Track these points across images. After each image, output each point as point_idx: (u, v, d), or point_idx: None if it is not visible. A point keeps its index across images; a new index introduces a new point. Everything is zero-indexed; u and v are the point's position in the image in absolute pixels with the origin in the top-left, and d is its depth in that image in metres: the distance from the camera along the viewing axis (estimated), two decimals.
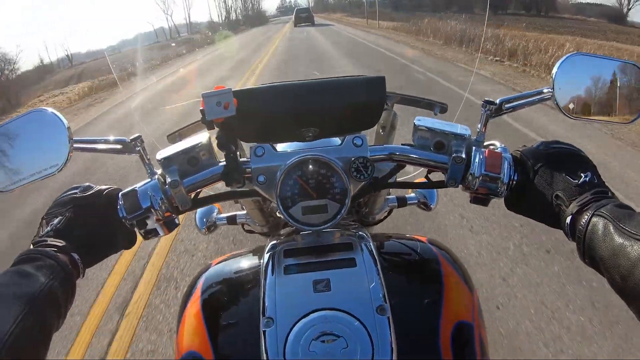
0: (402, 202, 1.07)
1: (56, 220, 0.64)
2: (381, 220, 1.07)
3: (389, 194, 1.07)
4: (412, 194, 1.10)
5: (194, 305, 0.73)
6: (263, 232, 1.09)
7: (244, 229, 1.11)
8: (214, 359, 0.66)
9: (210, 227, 1.11)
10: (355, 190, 0.70)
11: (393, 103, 0.89)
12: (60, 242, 0.60)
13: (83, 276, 0.63)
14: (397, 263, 0.77)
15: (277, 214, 1.01)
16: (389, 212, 1.08)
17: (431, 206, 1.09)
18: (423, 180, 0.78)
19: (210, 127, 0.67)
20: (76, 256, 0.61)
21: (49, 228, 0.63)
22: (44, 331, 0.51)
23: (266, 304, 0.60)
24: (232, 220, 1.09)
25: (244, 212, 1.07)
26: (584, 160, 0.64)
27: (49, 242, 0.60)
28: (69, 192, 0.69)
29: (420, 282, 0.74)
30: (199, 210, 1.13)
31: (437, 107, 0.83)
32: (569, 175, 0.62)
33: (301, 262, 0.65)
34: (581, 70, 0.72)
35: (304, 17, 36.52)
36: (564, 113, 0.72)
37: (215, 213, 1.12)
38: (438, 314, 0.66)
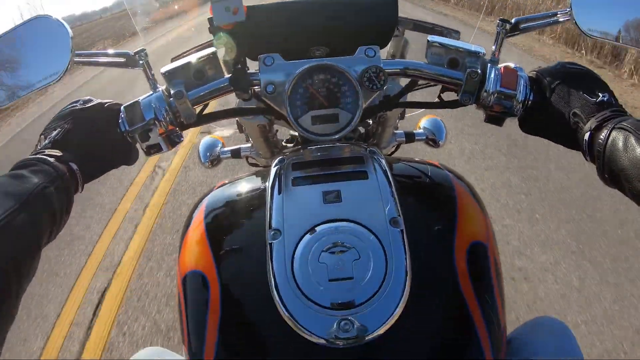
0: (410, 137, 1.06)
1: (54, 133, 0.62)
2: (388, 156, 1.05)
3: (397, 128, 1.05)
4: (421, 130, 1.09)
5: (198, 227, 0.72)
6: (268, 165, 1.07)
7: (248, 162, 1.09)
8: (217, 276, 0.64)
9: (214, 160, 1.10)
10: (367, 103, 0.68)
11: (404, 29, 0.87)
12: (58, 152, 0.58)
13: (82, 190, 0.61)
14: (409, 182, 0.75)
15: (284, 142, 1.00)
16: (397, 147, 1.07)
17: (440, 142, 1.08)
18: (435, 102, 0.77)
19: (218, 35, 0.65)
20: (74, 166, 0.59)
21: (47, 141, 0.61)
22: (33, 231, 0.49)
23: (272, 217, 0.58)
24: (236, 153, 1.08)
25: (248, 145, 1.06)
26: (601, 82, 0.63)
27: (46, 153, 0.58)
28: (69, 106, 0.67)
29: (434, 201, 0.72)
30: (202, 143, 1.12)
31: (450, 34, 0.80)
32: (586, 94, 0.60)
33: (310, 174, 0.63)
34: None
35: None
36: (584, 32, 0.69)
37: (219, 147, 1.10)
38: (452, 233, 0.65)
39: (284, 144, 0.99)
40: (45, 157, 0.56)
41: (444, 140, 1.08)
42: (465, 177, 0.78)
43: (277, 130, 0.99)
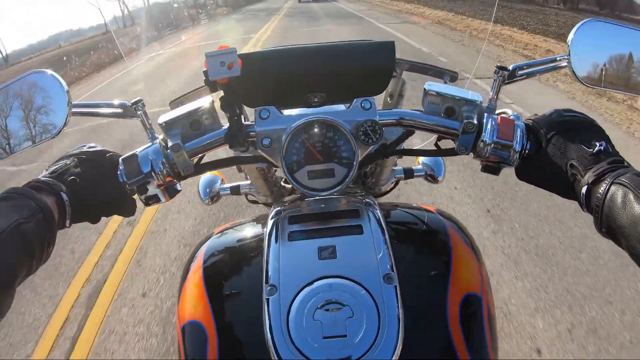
0: (408, 173, 1.06)
1: (56, 166, 0.63)
2: (387, 192, 1.05)
3: (395, 165, 1.05)
4: (419, 166, 1.09)
5: (196, 274, 0.72)
6: (267, 203, 1.07)
7: (247, 199, 1.10)
8: (215, 328, 0.65)
9: (214, 197, 1.10)
10: (363, 155, 0.68)
11: (402, 70, 0.87)
12: (51, 180, 0.59)
13: (69, 226, 0.60)
14: (404, 232, 0.75)
15: (282, 182, 1.00)
16: (396, 184, 1.07)
17: (438, 178, 1.08)
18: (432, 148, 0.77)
19: (213, 88, 0.65)
20: (65, 197, 0.59)
21: (46, 173, 0.62)
22: (5, 269, 0.48)
23: (269, 272, 0.58)
24: (235, 190, 1.08)
25: (248, 182, 1.06)
26: (597, 129, 0.63)
27: (39, 179, 0.58)
28: (74, 149, 0.68)
29: (428, 253, 0.72)
30: (202, 180, 1.12)
31: (448, 76, 0.80)
32: (583, 144, 0.60)
33: (306, 229, 0.64)
34: (598, 38, 0.70)
35: None
36: (580, 81, 0.70)
37: (218, 183, 1.10)
38: (446, 285, 0.65)
39: (282, 183, 0.99)
40: (29, 189, 0.56)
41: (442, 176, 1.08)
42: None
43: (275, 171, 0.99)
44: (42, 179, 0.59)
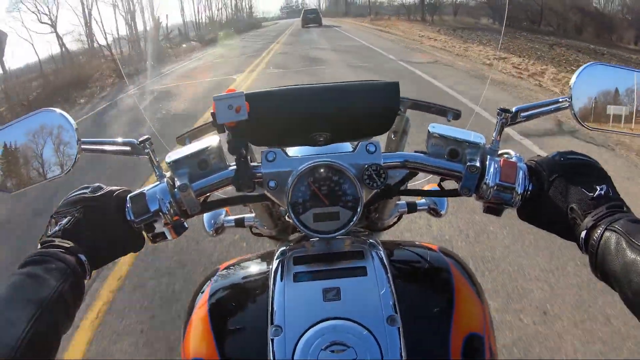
0: (412, 207, 1.06)
1: (65, 220, 0.64)
2: (390, 226, 1.06)
3: (399, 200, 1.06)
4: (423, 200, 1.09)
5: (201, 310, 0.73)
6: (271, 236, 1.08)
7: (252, 232, 1.10)
8: None
9: (218, 229, 1.10)
10: (368, 198, 0.69)
11: (406, 108, 0.88)
12: (68, 243, 0.60)
13: (89, 278, 0.63)
14: (407, 272, 0.75)
15: (286, 217, 1.00)
16: (399, 218, 1.07)
17: (441, 212, 1.08)
18: (435, 187, 0.77)
19: (221, 130, 0.67)
20: (83, 258, 0.61)
21: (57, 228, 0.63)
22: (54, 333, 0.52)
23: (275, 312, 0.59)
24: (240, 222, 1.09)
25: (252, 214, 1.07)
26: (599, 172, 0.64)
27: (56, 243, 0.60)
28: (79, 192, 0.68)
29: (431, 292, 0.72)
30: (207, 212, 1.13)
31: (451, 114, 0.81)
32: (584, 188, 0.61)
33: (311, 270, 0.65)
34: (599, 80, 0.71)
35: (311, 18, 35.84)
36: (581, 123, 0.71)
37: (223, 215, 1.11)
38: (449, 325, 0.65)
39: (286, 218, 1.00)
40: (57, 251, 0.58)
41: (445, 210, 1.09)
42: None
43: (279, 206, 1.00)
44: (58, 242, 0.60)
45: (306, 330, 0.56)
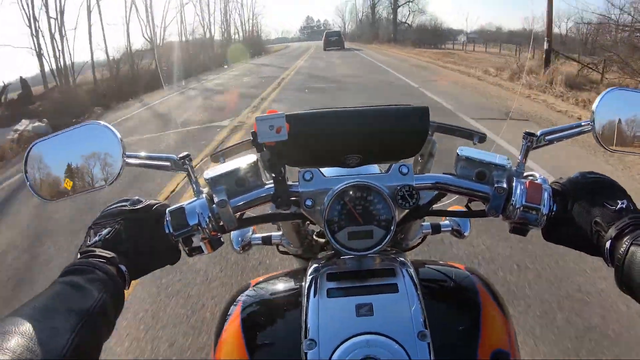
0: (436, 229, 1.08)
1: (105, 231, 0.66)
2: (415, 247, 1.07)
3: (423, 221, 1.08)
4: (447, 221, 1.11)
5: (233, 324, 0.74)
6: (297, 255, 1.10)
7: (278, 249, 1.12)
8: None
9: (245, 246, 1.12)
10: (400, 217, 0.71)
11: (433, 132, 0.91)
12: (108, 254, 0.62)
13: (128, 287, 0.64)
14: (436, 290, 0.77)
15: (315, 236, 1.03)
16: (423, 239, 1.09)
17: (464, 234, 1.10)
18: (463, 208, 0.80)
19: (260, 149, 0.70)
20: (124, 268, 0.62)
21: (97, 238, 0.65)
22: (96, 342, 0.53)
23: (309, 326, 0.61)
24: (267, 240, 1.11)
25: (279, 233, 1.09)
26: (619, 189, 0.66)
27: (97, 253, 0.62)
28: (118, 204, 0.70)
29: (458, 309, 0.74)
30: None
31: (477, 137, 0.84)
32: (606, 203, 0.64)
33: (344, 286, 0.67)
34: (621, 105, 0.74)
35: (333, 41, 35.30)
36: (603, 146, 0.73)
37: (250, 232, 1.13)
38: (476, 341, 0.67)
39: (314, 237, 1.03)
40: (98, 261, 0.60)
41: (468, 232, 1.10)
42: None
43: (308, 224, 1.03)
44: (98, 252, 0.62)
45: (340, 344, 0.58)
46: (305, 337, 0.60)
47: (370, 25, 60.68)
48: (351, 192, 0.71)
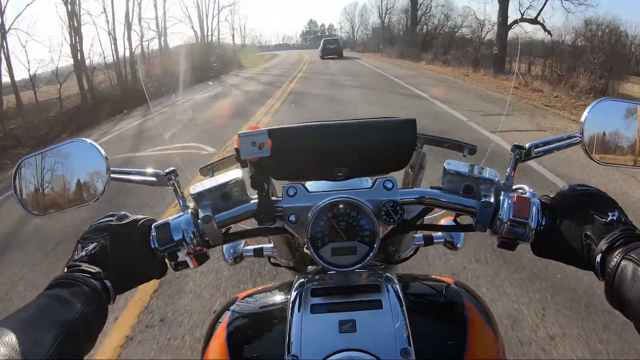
0: (428, 240, 1.08)
1: (91, 246, 0.66)
2: (407, 259, 1.07)
3: (415, 233, 1.07)
4: (439, 233, 1.10)
5: (219, 338, 0.74)
6: (289, 266, 1.10)
7: (270, 262, 1.12)
8: None
9: (237, 258, 1.13)
10: (385, 232, 0.71)
11: (422, 144, 0.91)
12: (94, 269, 0.63)
13: (114, 302, 0.65)
14: (422, 305, 0.77)
15: (305, 249, 1.02)
16: (415, 251, 1.08)
17: (457, 246, 1.09)
18: (451, 220, 0.79)
19: (244, 165, 0.70)
20: (108, 283, 0.63)
21: (83, 253, 0.65)
22: (77, 355, 0.54)
23: (291, 342, 0.61)
24: (258, 252, 1.11)
25: (271, 245, 1.09)
26: (609, 201, 0.65)
27: (83, 268, 0.62)
28: (105, 219, 0.71)
29: (444, 325, 0.74)
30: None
31: (466, 149, 0.84)
32: (597, 215, 0.63)
33: (328, 302, 0.66)
34: (611, 116, 0.73)
35: (331, 49, 32.76)
36: (592, 158, 0.72)
37: (242, 245, 1.13)
38: (462, 357, 0.66)
39: (304, 250, 1.02)
40: (83, 275, 0.61)
41: (461, 243, 1.09)
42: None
43: (298, 238, 1.02)
44: (84, 267, 0.63)
45: None
46: (288, 353, 0.60)
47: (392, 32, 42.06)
48: (334, 208, 0.70)
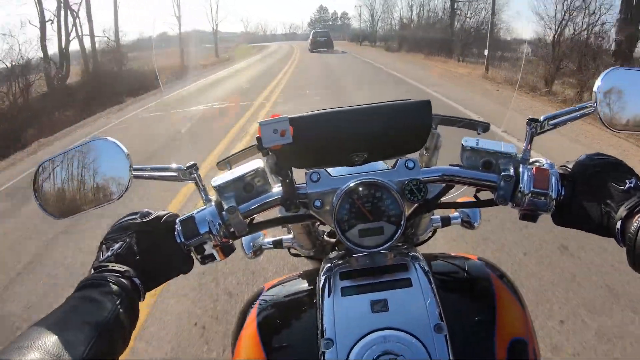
0: (446, 221, 1.08)
1: (117, 246, 0.66)
2: (425, 241, 1.07)
3: (433, 214, 1.08)
4: (456, 213, 1.11)
5: (250, 328, 0.75)
6: (309, 256, 1.10)
7: (290, 252, 1.12)
8: None
9: (257, 251, 1.13)
10: (409, 212, 0.72)
11: (437, 124, 0.91)
12: (122, 267, 0.63)
13: (143, 299, 0.65)
14: (450, 282, 0.78)
15: (325, 236, 1.03)
16: (433, 232, 1.09)
17: (475, 225, 1.09)
18: (472, 199, 0.80)
19: (265, 153, 0.70)
20: (137, 281, 0.63)
21: (109, 253, 0.66)
22: (112, 355, 0.54)
23: (325, 326, 0.62)
24: (278, 244, 1.11)
25: (290, 235, 1.09)
26: (626, 168, 0.66)
27: (110, 267, 0.62)
28: (128, 218, 0.71)
29: (473, 300, 0.74)
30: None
31: (480, 127, 0.84)
32: (614, 183, 0.63)
33: (358, 284, 0.67)
34: (623, 84, 0.73)
35: (321, 42, 31.82)
36: (607, 126, 0.73)
37: (261, 237, 1.14)
38: (493, 331, 0.67)
39: (325, 237, 1.03)
40: (112, 274, 0.61)
41: (478, 222, 1.10)
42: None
43: (318, 225, 1.03)
44: (112, 267, 0.63)
45: (357, 342, 0.58)
46: (322, 337, 0.61)
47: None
48: (359, 190, 0.71)
